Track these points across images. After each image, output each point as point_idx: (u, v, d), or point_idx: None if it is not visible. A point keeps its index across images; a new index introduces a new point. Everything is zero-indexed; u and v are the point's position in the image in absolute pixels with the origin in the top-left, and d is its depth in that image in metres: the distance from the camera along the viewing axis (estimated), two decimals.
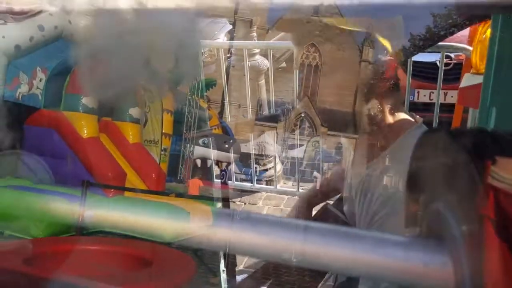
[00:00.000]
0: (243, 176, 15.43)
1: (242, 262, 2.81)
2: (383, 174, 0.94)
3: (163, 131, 12.54)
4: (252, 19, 22.24)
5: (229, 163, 13.86)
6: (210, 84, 14.64)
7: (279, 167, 15.99)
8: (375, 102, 1.06)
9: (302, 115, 20.12)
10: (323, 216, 1.06)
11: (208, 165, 13.32)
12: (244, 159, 17.42)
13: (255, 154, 17.78)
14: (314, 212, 1.17)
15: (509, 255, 0.60)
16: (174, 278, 3.17)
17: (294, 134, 19.06)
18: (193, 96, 11.96)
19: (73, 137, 6.22)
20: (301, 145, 17.74)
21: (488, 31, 2.10)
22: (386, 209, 0.93)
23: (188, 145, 12.21)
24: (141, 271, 3.37)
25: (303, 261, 0.53)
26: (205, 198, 7.34)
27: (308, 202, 1.29)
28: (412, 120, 1.05)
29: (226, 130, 15.50)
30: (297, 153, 16.79)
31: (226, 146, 12.99)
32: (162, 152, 11.76)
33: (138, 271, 3.40)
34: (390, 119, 0.99)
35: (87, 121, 6.43)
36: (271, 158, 15.71)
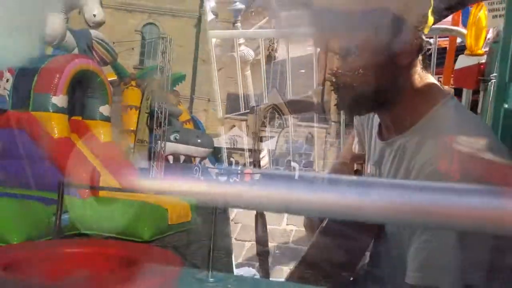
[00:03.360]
0: (216, 170, 15.34)
1: (241, 255, 2.82)
2: (416, 155, 0.80)
3: (130, 128, 12.32)
4: (217, 13, 22.04)
5: (202, 158, 13.76)
6: (179, 79, 14.44)
7: (266, 160, 15.97)
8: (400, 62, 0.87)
9: (272, 107, 20.18)
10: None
11: (181, 161, 13.18)
12: (216, 154, 17.34)
13: (227, 148, 17.70)
14: None
15: None
16: (160, 276, 3.16)
17: (265, 126, 19.07)
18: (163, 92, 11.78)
19: (43, 138, 6.03)
20: (272, 137, 17.82)
21: (482, 13, 2.22)
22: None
23: (159, 141, 12.02)
24: (126, 271, 3.32)
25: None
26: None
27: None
28: (442, 89, 0.90)
29: (197, 125, 15.38)
30: (269, 144, 16.86)
31: (199, 141, 12.88)
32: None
33: (122, 271, 3.34)
34: (417, 87, 0.83)
35: (57, 121, 6.23)
36: (264, 152, 15.61)
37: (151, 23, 22.15)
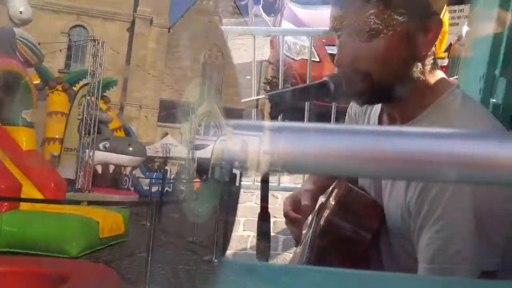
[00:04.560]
0: (147, 181, 14.77)
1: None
2: None
3: (56, 135, 11.50)
4: (152, 17, 21.48)
5: (133, 168, 13.21)
6: (110, 84, 13.80)
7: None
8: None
9: (207, 114, 20.03)
10: (347, 197, 0.92)
11: (110, 171, 12.53)
12: (148, 163, 16.72)
13: (160, 156, 17.19)
14: (332, 194, 1.02)
15: None
16: None
17: (200, 134, 18.85)
18: (92, 97, 11.15)
19: None
20: (207, 145, 17.63)
21: (446, 18, 2.28)
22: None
23: (87, 150, 11.32)
24: None
25: None
26: (116, 204, 6.87)
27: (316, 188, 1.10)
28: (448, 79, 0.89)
29: (128, 133, 14.77)
30: (204, 153, 16.64)
31: (130, 149, 12.33)
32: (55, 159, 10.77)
33: None
34: (428, 76, 0.81)
35: None
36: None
37: (79, 26, 20.99)
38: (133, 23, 20.43)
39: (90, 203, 6.52)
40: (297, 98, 0.77)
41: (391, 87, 0.77)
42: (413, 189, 0.76)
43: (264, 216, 0.80)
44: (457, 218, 0.72)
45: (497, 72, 0.89)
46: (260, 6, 10.65)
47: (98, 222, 5.74)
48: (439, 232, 0.72)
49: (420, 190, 0.74)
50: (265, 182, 0.81)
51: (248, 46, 3.70)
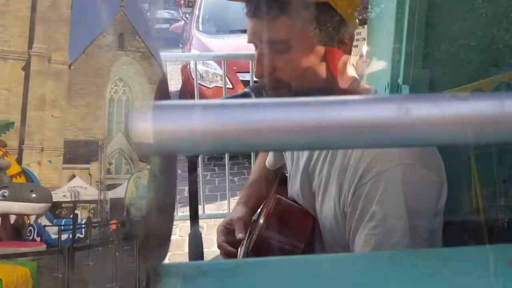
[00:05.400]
0: (55, 229, 13.57)
1: None
2: (350, 151, 0.77)
3: None
4: (50, 54, 20.35)
5: (38, 216, 12.12)
6: (5, 126, 12.65)
7: None
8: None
9: (117, 152, 19.16)
10: (277, 208, 0.91)
11: (12, 222, 11.37)
12: (54, 209, 15.45)
13: (68, 201, 15.99)
14: (265, 208, 1.01)
15: None
16: None
17: (111, 173, 17.90)
18: None
19: None
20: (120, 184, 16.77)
21: None
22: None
23: None
24: None
25: None
26: (20, 256, 6.19)
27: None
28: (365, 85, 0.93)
29: (30, 178, 13.58)
30: (117, 192, 15.80)
31: (33, 195, 11.35)
32: None
33: None
34: (347, 83, 0.83)
35: None
36: None
37: None
38: (28, 61, 19.18)
39: None
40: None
41: (311, 95, 0.81)
42: (346, 187, 0.79)
43: (194, 229, 0.78)
44: (391, 212, 0.76)
45: (399, 80, 0.99)
46: None
47: (1, 280, 5.18)
48: (375, 228, 0.75)
49: (354, 189, 0.77)
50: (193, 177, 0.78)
51: None
